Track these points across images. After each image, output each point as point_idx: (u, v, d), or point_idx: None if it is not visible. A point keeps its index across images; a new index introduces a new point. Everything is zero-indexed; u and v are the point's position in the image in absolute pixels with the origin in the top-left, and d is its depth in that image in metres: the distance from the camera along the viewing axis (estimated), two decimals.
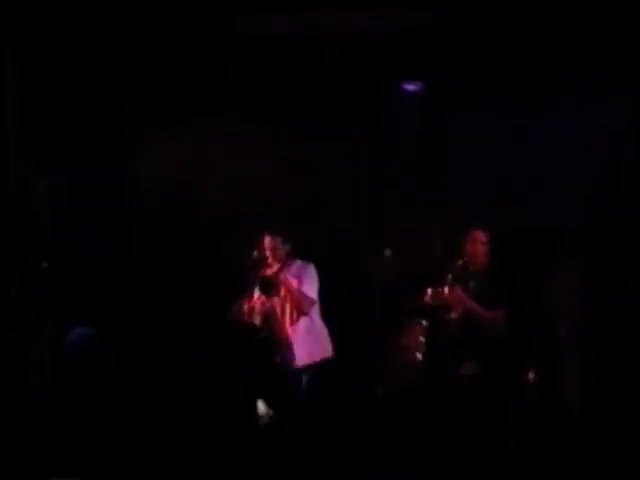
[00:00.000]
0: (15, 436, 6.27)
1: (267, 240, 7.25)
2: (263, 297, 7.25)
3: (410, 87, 8.31)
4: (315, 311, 7.25)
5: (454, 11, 7.57)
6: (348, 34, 7.77)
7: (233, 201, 8.42)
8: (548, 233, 7.83)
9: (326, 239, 7.98)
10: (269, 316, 7.25)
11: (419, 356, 7.11)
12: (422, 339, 7.14)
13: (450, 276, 7.09)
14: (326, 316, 7.49)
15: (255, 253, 7.22)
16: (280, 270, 7.21)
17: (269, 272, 7.21)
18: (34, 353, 7.77)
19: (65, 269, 8.06)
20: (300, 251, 7.50)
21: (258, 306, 7.25)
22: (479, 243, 7.16)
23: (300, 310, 7.18)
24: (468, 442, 6.60)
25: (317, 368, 7.22)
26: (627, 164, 7.90)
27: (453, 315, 7.11)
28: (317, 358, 7.23)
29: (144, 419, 6.77)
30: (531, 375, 7.20)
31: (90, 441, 6.15)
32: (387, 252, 7.28)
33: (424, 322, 7.17)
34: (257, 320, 7.25)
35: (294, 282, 7.20)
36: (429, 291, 7.10)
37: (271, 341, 7.26)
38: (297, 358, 7.20)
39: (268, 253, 7.24)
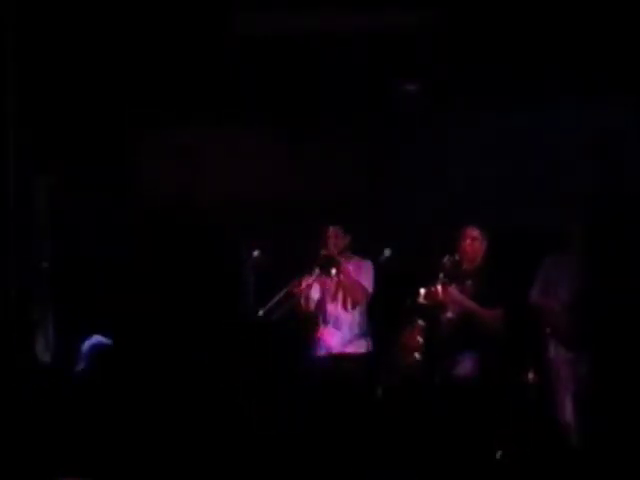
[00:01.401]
0: (15, 436, 6.27)
1: (330, 229, 7.38)
2: (321, 278, 7.33)
3: (410, 87, 8.31)
4: (365, 305, 7.36)
5: (454, 11, 7.57)
6: (348, 34, 7.76)
7: (232, 201, 8.42)
8: (547, 233, 7.82)
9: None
10: (322, 298, 7.36)
11: (417, 356, 7.10)
12: (420, 339, 7.13)
13: (442, 275, 7.08)
14: None
15: (256, 253, 7.24)
16: (340, 256, 7.33)
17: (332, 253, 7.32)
18: (34, 353, 7.77)
19: (65, 269, 8.06)
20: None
21: (312, 287, 7.31)
22: (471, 239, 7.14)
23: (354, 299, 7.30)
24: (468, 442, 6.60)
25: (366, 365, 7.28)
26: (627, 164, 7.91)
27: (450, 314, 7.10)
28: (358, 350, 7.31)
29: (145, 419, 6.76)
30: (531, 375, 7.19)
31: (92, 441, 6.14)
32: (387, 252, 7.30)
33: (421, 322, 7.16)
34: (312, 301, 7.33)
35: (352, 271, 7.32)
36: (421, 291, 7.09)
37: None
38: (338, 346, 7.29)
39: (331, 241, 7.34)
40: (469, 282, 7.11)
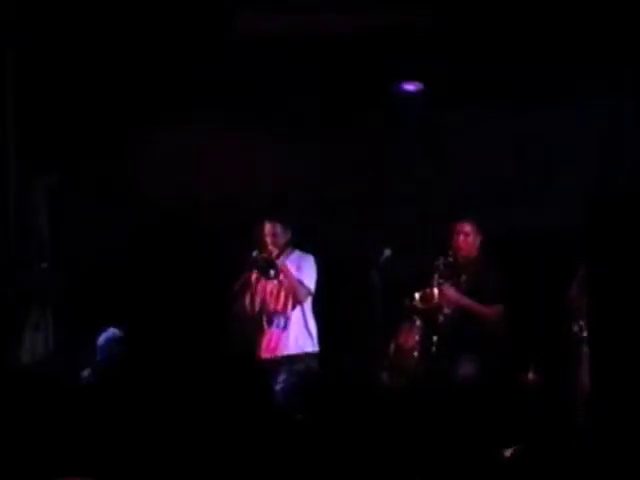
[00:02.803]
0: (15, 436, 6.27)
1: (267, 226, 7.18)
2: (261, 279, 7.19)
3: (410, 87, 8.31)
4: (308, 303, 7.20)
5: (454, 11, 7.57)
6: (348, 34, 7.76)
7: (233, 201, 8.42)
8: (548, 233, 7.83)
9: (326, 239, 7.97)
10: (264, 299, 7.21)
11: (416, 355, 7.08)
12: (419, 338, 7.11)
13: (436, 276, 7.07)
14: (326, 315, 7.47)
15: (255, 253, 7.19)
16: (279, 255, 7.15)
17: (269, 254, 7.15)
18: (34, 353, 7.78)
19: (65, 269, 8.06)
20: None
21: (253, 287, 7.21)
22: (464, 235, 7.12)
23: (295, 298, 7.12)
24: (468, 442, 6.59)
25: (314, 364, 7.18)
26: (627, 164, 7.91)
27: (447, 311, 7.09)
28: (304, 350, 7.16)
29: (145, 423, 6.77)
30: (531, 375, 7.20)
31: (94, 441, 6.14)
32: (387, 252, 7.25)
33: (418, 322, 7.15)
34: (256, 303, 7.19)
35: (293, 269, 7.16)
36: (416, 295, 7.06)
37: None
38: (283, 347, 7.14)
39: (268, 239, 7.16)
40: (464, 277, 7.09)
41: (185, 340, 8.10)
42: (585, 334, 7.22)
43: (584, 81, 7.71)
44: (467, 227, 7.12)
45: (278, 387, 7.00)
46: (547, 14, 7.43)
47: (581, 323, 7.22)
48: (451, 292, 7.02)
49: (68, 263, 8.06)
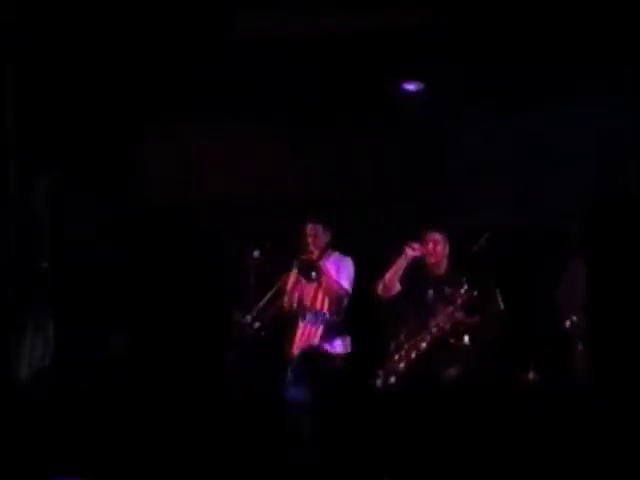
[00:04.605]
0: (15, 436, 6.28)
1: (309, 227, 7.23)
2: (301, 280, 7.23)
3: (410, 87, 8.31)
4: (344, 304, 7.23)
5: (454, 11, 7.57)
6: (348, 34, 7.76)
7: (232, 201, 8.43)
8: (547, 233, 7.84)
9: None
10: (301, 298, 7.27)
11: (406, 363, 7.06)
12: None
13: (452, 308, 6.97)
14: None
15: (256, 253, 7.21)
16: (320, 257, 7.20)
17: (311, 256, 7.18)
18: (34, 353, 7.79)
19: (65, 269, 8.07)
20: None
21: (290, 287, 7.24)
22: (433, 243, 7.05)
23: (333, 299, 7.16)
24: (468, 443, 6.60)
25: (337, 364, 7.21)
26: (627, 164, 7.92)
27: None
28: (337, 350, 7.20)
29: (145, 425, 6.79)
30: (531, 375, 7.20)
31: (94, 442, 6.17)
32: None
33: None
34: (295, 301, 7.25)
35: (332, 271, 7.19)
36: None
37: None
38: (318, 344, 7.18)
39: (310, 240, 7.20)
40: (464, 289, 6.99)
41: (183, 339, 8.12)
42: (578, 330, 7.23)
43: (584, 81, 7.71)
44: (437, 236, 7.11)
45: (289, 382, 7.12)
46: (547, 14, 7.43)
47: (573, 319, 7.24)
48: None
49: (68, 263, 8.06)
